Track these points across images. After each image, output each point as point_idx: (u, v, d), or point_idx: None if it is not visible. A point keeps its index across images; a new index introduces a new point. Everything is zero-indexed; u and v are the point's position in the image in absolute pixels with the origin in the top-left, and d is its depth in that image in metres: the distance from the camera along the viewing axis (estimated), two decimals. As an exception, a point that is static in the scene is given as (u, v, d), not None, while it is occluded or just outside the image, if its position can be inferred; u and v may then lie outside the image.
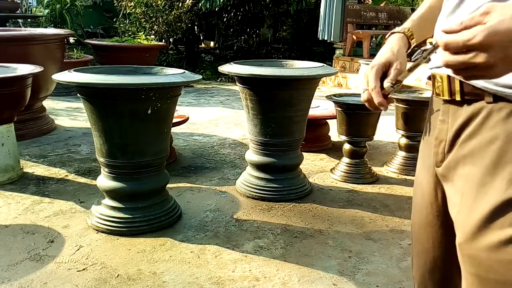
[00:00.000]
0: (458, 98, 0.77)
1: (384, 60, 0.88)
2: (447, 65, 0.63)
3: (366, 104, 0.90)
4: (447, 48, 0.61)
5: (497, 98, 0.70)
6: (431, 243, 0.94)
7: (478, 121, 0.73)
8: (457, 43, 0.60)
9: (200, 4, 7.24)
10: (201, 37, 9.71)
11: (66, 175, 2.88)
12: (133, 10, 6.94)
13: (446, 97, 0.80)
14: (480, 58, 0.58)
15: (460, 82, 0.75)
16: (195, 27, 8.53)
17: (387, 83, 0.84)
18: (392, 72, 0.85)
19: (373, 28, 7.83)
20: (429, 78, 0.90)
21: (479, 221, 0.71)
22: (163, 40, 7.41)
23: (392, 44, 0.91)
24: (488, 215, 0.70)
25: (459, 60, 0.60)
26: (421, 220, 0.95)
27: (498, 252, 0.69)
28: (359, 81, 6.00)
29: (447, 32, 0.61)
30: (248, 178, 2.64)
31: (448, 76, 0.78)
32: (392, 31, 0.94)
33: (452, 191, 0.81)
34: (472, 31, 0.58)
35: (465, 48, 0.59)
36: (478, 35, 0.57)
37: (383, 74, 0.87)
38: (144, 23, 7.02)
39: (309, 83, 2.50)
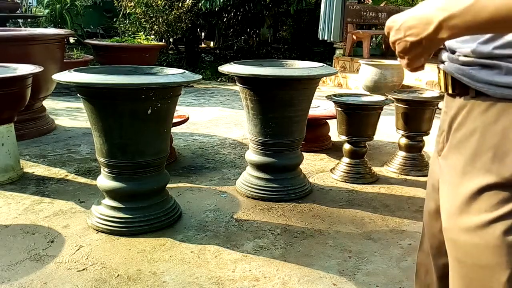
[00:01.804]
0: (450, 91, 0.83)
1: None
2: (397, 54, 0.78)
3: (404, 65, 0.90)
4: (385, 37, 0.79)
5: (478, 93, 0.75)
6: (438, 229, 0.97)
7: (464, 113, 0.78)
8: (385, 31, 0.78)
9: (200, 4, 7.24)
10: (203, 36, 9.71)
11: (66, 175, 2.88)
12: (133, 10, 6.94)
13: (443, 90, 0.86)
14: (390, 37, 0.77)
15: (452, 77, 0.81)
16: (198, 27, 8.54)
17: None
18: None
19: (373, 28, 7.83)
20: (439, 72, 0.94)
21: (459, 206, 0.76)
22: (163, 40, 7.41)
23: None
24: (466, 200, 0.75)
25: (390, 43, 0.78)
26: (431, 207, 0.98)
27: (474, 236, 0.73)
28: (359, 80, 6.00)
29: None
30: (248, 178, 2.64)
31: (444, 71, 0.84)
32: None
33: (441, 180, 0.86)
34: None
35: (386, 33, 0.78)
36: (387, 22, 0.79)
37: None
38: (144, 23, 7.02)
39: (309, 83, 2.49)
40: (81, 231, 2.13)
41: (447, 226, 0.80)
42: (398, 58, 0.86)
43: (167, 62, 8.00)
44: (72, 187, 2.68)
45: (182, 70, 2.22)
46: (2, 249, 1.95)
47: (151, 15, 6.92)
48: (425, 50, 0.73)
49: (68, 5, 8.98)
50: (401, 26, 0.74)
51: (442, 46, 0.87)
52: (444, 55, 0.82)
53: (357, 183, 2.88)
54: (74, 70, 2.05)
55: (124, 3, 7.07)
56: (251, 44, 9.21)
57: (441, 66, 0.85)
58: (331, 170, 3.06)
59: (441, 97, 2.95)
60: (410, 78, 5.81)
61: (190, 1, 7.08)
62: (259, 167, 2.61)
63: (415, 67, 0.79)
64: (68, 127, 4.12)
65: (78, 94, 2.06)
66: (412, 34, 0.72)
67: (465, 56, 0.76)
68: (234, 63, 2.52)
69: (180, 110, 3.38)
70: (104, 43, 5.88)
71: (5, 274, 1.76)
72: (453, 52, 0.80)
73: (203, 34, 9.63)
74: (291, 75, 2.33)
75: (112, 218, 2.12)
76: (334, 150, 3.59)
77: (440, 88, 0.88)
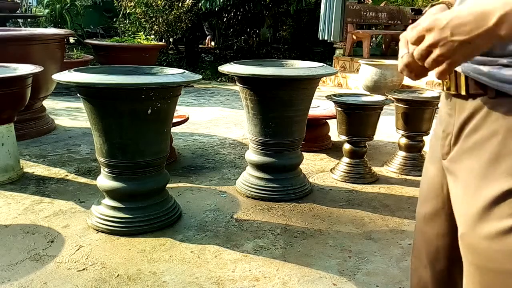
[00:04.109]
0: (463, 92, 0.79)
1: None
2: (417, 58, 0.71)
3: (405, 71, 0.83)
4: (412, 42, 0.71)
5: (499, 93, 0.72)
6: (435, 234, 0.96)
7: (481, 115, 0.75)
8: (413, 34, 0.70)
9: (200, 4, 7.24)
10: (207, 35, 9.70)
11: (66, 175, 2.88)
12: (133, 10, 6.95)
13: (453, 91, 0.82)
14: (428, 39, 0.68)
15: (466, 76, 0.78)
16: (203, 27, 8.53)
17: None
18: None
19: (373, 28, 7.84)
20: None
21: (479, 211, 0.73)
22: (163, 40, 7.41)
23: (436, 11, 0.87)
24: (487, 205, 0.72)
25: (419, 48, 0.70)
26: (427, 211, 0.96)
27: (497, 242, 0.70)
28: (359, 80, 6.00)
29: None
30: (248, 178, 2.64)
31: (455, 71, 0.80)
32: (432, 3, 0.91)
33: (454, 184, 0.83)
34: (421, 24, 0.70)
35: (419, 37, 0.70)
36: (423, 23, 0.69)
37: None
38: (144, 23, 7.02)
39: (309, 83, 2.49)
40: (81, 231, 2.13)
41: (465, 232, 0.77)
42: (408, 70, 0.78)
43: (167, 62, 8.00)
44: (72, 187, 2.68)
45: (182, 70, 2.22)
46: (2, 249, 1.95)
47: (151, 15, 6.92)
48: (474, 51, 0.66)
49: (68, 5, 8.99)
50: (447, 24, 0.66)
51: None
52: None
53: (357, 183, 2.88)
54: (74, 70, 2.05)
55: (124, 3, 7.08)
56: (251, 44, 9.21)
57: None
58: (331, 170, 3.06)
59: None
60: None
61: (190, 1, 7.08)
62: (259, 167, 2.61)
63: (447, 74, 0.71)
64: (68, 127, 4.12)
65: (78, 94, 2.06)
66: (462, 32, 0.64)
67: (483, 55, 0.72)
68: (234, 63, 2.52)
69: (180, 110, 3.38)
70: (104, 43, 5.87)
71: (5, 274, 1.76)
72: None
73: (210, 32, 9.62)
74: (291, 75, 2.33)
75: (112, 218, 2.12)
76: (334, 150, 3.59)
77: (448, 89, 0.84)
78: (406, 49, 0.80)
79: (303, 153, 2.79)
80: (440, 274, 0.98)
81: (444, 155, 0.86)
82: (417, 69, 0.78)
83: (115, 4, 7.37)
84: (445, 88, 0.86)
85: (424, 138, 3.14)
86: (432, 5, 0.91)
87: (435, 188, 0.94)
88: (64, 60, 4.46)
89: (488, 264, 0.73)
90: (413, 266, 1.05)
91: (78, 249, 1.97)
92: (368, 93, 4.80)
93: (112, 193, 2.14)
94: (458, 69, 0.80)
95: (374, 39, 8.43)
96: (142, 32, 6.64)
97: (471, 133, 0.78)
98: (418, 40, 0.70)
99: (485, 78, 0.73)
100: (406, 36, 0.79)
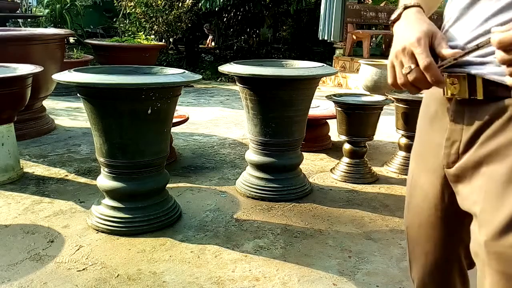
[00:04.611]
0: (480, 97, 0.76)
1: (427, 30, 0.77)
2: (502, 63, 0.65)
3: (407, 86, 0.79)
4: (500, 46, 0.64)
5: None
6: (432, 245, 0.93)
7: (504, 119, 0.72)
8: (509, 39, 0.62)
9: (200, 4, 7.25)
10: (209, 35, 9.70)
11: (66, 175, 2.88)
12: (133, 10, 6.95)
13: (464, 97, 0.78)
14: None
15: (483, 80, 0.74)
16: (203, 27, 8.53)
17: (450, 56, 0.74)
18: (443, 43, 0.76)
19: (373, 28, 7.84)
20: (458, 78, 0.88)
21: (507, 218, 0.70)
22: (163, 40, 7.41)
23: (420, 16, 0.81)
24: None
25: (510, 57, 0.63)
26: (422, 222, 0.93)
27: None
28: (359, 80, 6.00)
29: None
30: (248, 178, 2.64)
31: (469, 75, 0.77)
32: (404, 4, 0.84)
33: (470, 190, 0.79)
34: None
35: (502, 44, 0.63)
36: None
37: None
38: (144, 23, 7.02)
39: (309, 83, 2.49)
40: (81, 231, 2.13)
41: (491, 239, 0.73)
42: (413, 85, 0.74)
43: (167, 62, 7.99)
44: (72, 187, 2.68)
45: (182, 70, 2.22)
46: (2, 249, 1.95)
47: (151, 15, 6.92)
48: None
49: (68, 5, 8.99)
50: None
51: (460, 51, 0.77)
52: (467, 58, 0.74)
53: (357, 183, 2.88)
54: (74, 70, 2.05)
55: (124, 3, 7.08)
56: (251, 44, 9.21)
57: (458, 70, 0.78)
58: (331, 170, 3.06)
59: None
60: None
61: (190, 1, 7.08)
62: (259, 167, 2.61)
63: None
64: (68, 127, 4.12)
65: (78, 94, 2.06)
66: None
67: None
68: (234, 63, 2.52)
69: (180, 110, 3.38)
70: (104, 43, 5.88)
71: (5, 274, 1.76)
72: (483, 55, 0.73)
73: (211, 32, 9.61)
74: (291, 75, 2.33)
75: (112, 218, 2.12)
76: (334, 150, 3.59)
77: (458, 94, 0.79)
78: (411, 62, 0.76)
79: (303, 153, 2.79)
80: (441, 285, 0.96)
81: (450, 163, 0.83)
82: (424, 84, 0.75)
83: (115, 4, 7.37)
84: (449, 93, 0.81)
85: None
86: (406, 7, 0.83)
87: (434, 198, 0.90)
88: (64, 60, 4.46)
89: None
90: (415, 270, 1.02)
91: (78, 249, 1.97)
92: (368, 93, 4.79)
93: (112, 193, 2.14)
94: (472, 71, 0.76)
95: (374, 39, 8.44)
96: (142, 32, 6.64)
97: (491, 137, 0.74)
98: None
99: None
100: (411, 49, 0.75)
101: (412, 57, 0.76)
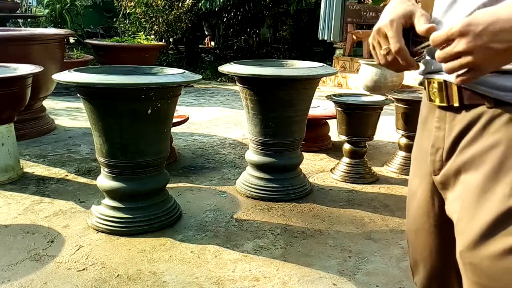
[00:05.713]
0: (456, 104, 0.75)
1: (404, 11, 0.76)
2: (440, 61, 0.67)
3: (391, 68, 0.79)
4: (435, 43, 0.66)
5: (499, 102, 0.69)
6: (428, 252, 0.93)
7: (479, 126, 0.71)
8: (440, 36, 0.65)
9: (200, 4, 7.24)
10: (208, 35, 9.70)
11: (66, 175, 2.88)
12: (133, 10, 6.95)
13: (443, 103, 0.78)
14: (460, 45, 0.63)
15: (458, 87, 0.74)
16: (203, 27, 8.53)
17: (423, 32, 0.73)
18: (422, 20, 0.74)
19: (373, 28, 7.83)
20: (421, 84, 0.87)
21: (481, 229, 0.69)
22: (163, 40, 7.42)
23: (394, 4, 0.79)
24: (491, 223, 0.68)
25: (446, 51, 0.65)
26: (417, 229, 0.93)
27: (501, 261, 0.67)
28: (359, 80, 6.00)
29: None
30: (248, 178, 2.64)
31: (445, 82, 0.76)
32: None
33: (452, 198, 0.79)
34: (452, 25, 0.64)
35: (448, 39, 0.64)
36: (456, 26, 0.63)
37: (404, 30, 0.76)
38: (144, 23, 7.02)
39: (309, 83, 2.49)
40: (81, 231, 2.13)
41: (465, 250, 0.72)
42: (390, 65, 0.75)
43: (167, 62, 8.00)
44: (72, 187, 2.68)
45: (182, 70, 2.22)
46: (2, 249, 1.95)
47: (151, 15, 6.92)
48: (509, 60, 0.62)
49: (68, 5, 8.99)
50: (484, 30, 0.60)
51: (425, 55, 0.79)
52: (441, 64, 0.71)
53: (357, 183, 2.88)
54: (74, 70, 2.05)
55: (124, 3, 7.08)
56: (251, 44, 9.21)
57: (437, 76, 0.78)
58: (331, 170, 3.06)
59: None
60: (410, 78, 5.81)
61: (190, 1, 7.08)
62: (259, 167, 2.61)
63: (470, 81, 0.67)
64: (68, 127, 4.12)
65: (78, 94, 2.06)
66: (502, 40, 0.60)
67: None
68: (234, 63, 2.52)
69: (180, 110, 3.38)
70: (104, 43, 5.88)
71: (5, 274, 1.76)
72: None
73: (210, 32, 9.62)
74: (291, 75, 2.33)
75: (112, 218, 2.12)
76: (334, 150, 3.59)
77: (437, 101, 0.79)
78: (387, 43, 0.76)
79: (303, 153, 2.79)
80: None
81: (436, 171, 0.82)
82: (399, 66, 0.77)
83: (115, 4, 7.37)
84: (430, 99, 0.80)
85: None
86: None
87: (425, 205, 0.89)
88: (64, 60, 4.46)
89: (492, 283, 0.70)
90: (416, 275, 1.01)
91: (78, 249, 1.97)
92: (368, 93, 4.80)
93: (112, 193, 2.13)
94: (447, 79, 0.75)
95: (374, 39, 8.42)
96: (142, 32, 6.64)
97: (468, 145, 0.73)
98: (445, 42, 0.65)
99: (484, 87, 0.69)
100: (385, 31, 0.75)
101: (387, 38, 0.77)
